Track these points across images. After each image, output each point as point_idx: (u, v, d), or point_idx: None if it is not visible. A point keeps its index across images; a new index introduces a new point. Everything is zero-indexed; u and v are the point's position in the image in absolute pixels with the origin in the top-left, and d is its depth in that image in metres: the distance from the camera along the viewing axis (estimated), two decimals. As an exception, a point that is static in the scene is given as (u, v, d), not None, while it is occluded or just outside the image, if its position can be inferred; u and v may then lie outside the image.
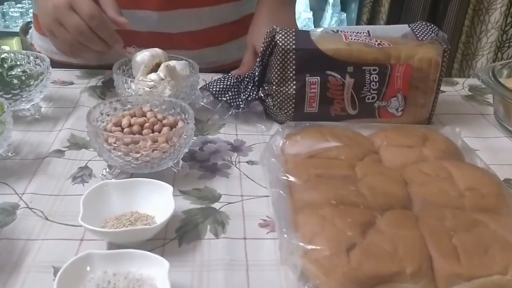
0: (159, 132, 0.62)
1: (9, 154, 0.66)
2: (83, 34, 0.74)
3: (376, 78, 0.75)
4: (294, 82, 0.74)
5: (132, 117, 0.64)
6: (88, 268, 0.44)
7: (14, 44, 2.58)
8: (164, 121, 0.64)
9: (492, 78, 0.79)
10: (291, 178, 0.55)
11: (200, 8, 0.92)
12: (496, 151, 0.74)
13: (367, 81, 0.75)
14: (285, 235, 0.48)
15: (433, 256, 0.46)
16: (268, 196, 0.61)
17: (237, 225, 0.56)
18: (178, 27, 0.92)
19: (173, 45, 0.89)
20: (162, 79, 0.75)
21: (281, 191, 0.54)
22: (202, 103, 0.79)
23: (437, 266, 0.45)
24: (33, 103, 0.76)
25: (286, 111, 0.76)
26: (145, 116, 0.64)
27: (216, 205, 0.59)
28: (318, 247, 0.45)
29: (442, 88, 0.82)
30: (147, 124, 0.62)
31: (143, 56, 0.78)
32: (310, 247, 0.46)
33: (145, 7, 0.88)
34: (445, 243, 0.47)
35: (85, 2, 0.72)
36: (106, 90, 0.87)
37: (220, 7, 0.94)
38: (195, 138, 0.73)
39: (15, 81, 0.72)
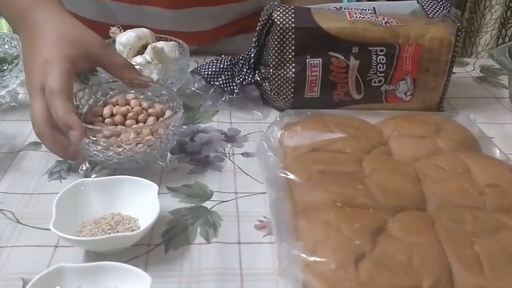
0: (144, 123, 0.56)
1: (-18, 145, 0.60)
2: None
3: (383, 59, 0.68)
4: (294, 65, 0.67)
5: (114, 106, 0.58)
6: (58, 287, 0.38)
7: (3, 25, 2.48)
8: (150, 110, 0.58)
9: (509, 59, 0.73)
10: (291, 176, 0.50)
11: (214, 7, 0.85)
12: (513, 139, 0.68)
13: (374, 63, 0.68)
14: (284, 244, 0.42)
15: (453, 267, 0.40)
16: (265, 193, 0.55)
17: (231, 227, 0.50)
18: (190, 26, 0.85)
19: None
20: (149, 62, 0.68)
21: (279, 192, 0.48)
22: (193, 88, 0.72)
23: (458, 278, 0.40)
24: (8, 89, 0.70)
25: (284, 96, 0.69)
26: (129, 105, 0.58)
27: (208, 204, 0.54)
28: (322, 259, 0.40)
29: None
30: (130, 114, 0.56)
31: (128, 37, 0.71)
32: (313, 258, 0.40)
33: (157, 4, 0.81)
34: (466, 251, 0.41)
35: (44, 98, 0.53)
36: (90, 74, 0.80)
37: (233, 5, 0.87)
38: (185, 127, 0.67)
39: (-13, 66, 0.65)
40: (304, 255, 0.40)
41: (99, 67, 0.61)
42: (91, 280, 0.39)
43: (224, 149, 0.63)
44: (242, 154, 0.63)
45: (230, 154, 0.62)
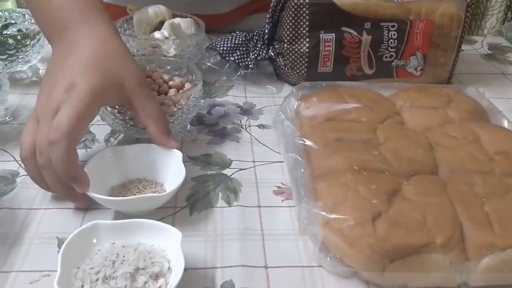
0: (165, 94, 0.58)
1: (7, 118, 0.63)
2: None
3: (394, 35, 0.70)
4: (307, 40, 0.69)
5: (136, 78, 0.60)
6: (95, 240, 0.41)
7: (9, 5, 2.49)
8: (171, 83, 0.60)
9: (518, 35, 0.74)
10: (308, 143, 0.52)
11: None
12: (521, 113, 0.70)
13: (385, 38, 0.70)
14: (304, 204, 0.44)
15: (464, 225, 0.43)
16: (282, 162, 0.57)
17: (250, 193, 0.53)
18: (207, 9, 0.85)
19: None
20: (167, 38, 0.70)
21: (298, 157, 0.50)
22: (209, 64, 0.74)
23: (469, 236, 0.42)
24: (30, 64, 0.72)
25: (298, 71, 0.71)
26: (151, 77, 0.60)
27: (227, 172, 0.56)
28: (342, 216, 0.42)
29: (460, 47, 0.77)
30: (152, 86, 0.58)
31: (145, 13, 0.73)
32: (332, 216, 0.42)
33: None
34: (476, 211, 0.43)
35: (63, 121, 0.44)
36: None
37: None
38: (202, 101, 0.69)
39: (10, 40, 0.67)
40: (324, 213, 0.43)
41: (128, 107, 0.51)
42: (124, 236, 0.42)
43: (240, 121, 0.66)
44: (258, 126, 0.65)
45: (247, 126, 0.65)
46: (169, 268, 0.40)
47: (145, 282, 0.38)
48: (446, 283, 0.42)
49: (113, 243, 0.41)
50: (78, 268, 0.39)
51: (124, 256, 0.39)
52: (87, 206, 0.49)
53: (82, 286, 0.38)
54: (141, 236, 0.42)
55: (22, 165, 0.50)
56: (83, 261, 0.40)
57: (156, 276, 0.38)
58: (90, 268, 0.38)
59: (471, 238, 0.42)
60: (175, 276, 0.38)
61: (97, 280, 0.38)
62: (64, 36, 0.51)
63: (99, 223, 0.42)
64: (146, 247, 0.41)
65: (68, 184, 0.46)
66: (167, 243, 0.41)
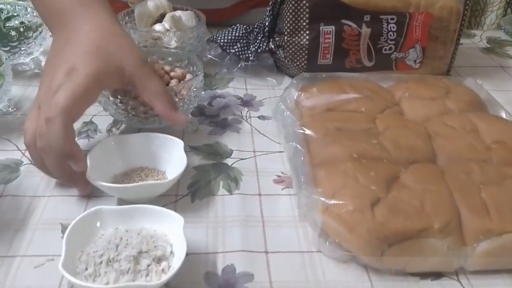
0: (167, 85, 0.58)
1: (10, 109, 0.63)
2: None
3: (394, 27, 0.71)
4: (308, 32, 0.70)
5: (137, 69, 0.60)
6: (98, 224, 0.42)
7: None
8: (172, 74, 0.60)
9: (516, 28, 0.75)
10: (308, 132, 0.52)
11: None
12: (519, 105, 0.71)
13: (385, 31, 0.70)
14: (304, 191, 0.45)
15: (461, 211, 0.43)
16: (282, 152, 0.58)
17: (251, 181, 0.54)
18: (208, 4, 0.85)
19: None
20: (168, 30, 0.71)
21: (298, 145, 0.51)
22: (210, 56, 0.75)
23: (466, 222, 0.43)
24: (32, 56, 0.72)
25: (298, 63, 0.72)
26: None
27: (228, 161, 0.57)
28: (341, 202, 0.43)
29: (459, 40, 0.78)
30: (154, 76, 0.59)
31: (147, 6, 0.74)
32: (332, 202, 0.43)
33: None
34: (474, 198, 0.44)
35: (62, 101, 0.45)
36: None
37: None
38: (203, 92, 0.70)
39: (13, 33, 0.68)
40: (323, 199, 0.43)
41: (131, 88, 0.52)
42: (127, 222, 0.42)
43: (241, 113, 0.66)
44: (259, 117, 0.65)
45: (247, 117, 0.65)
46: (171, 252, 0.40)
47: (148, 265, 0.38)
48: (444, 268, 0.43)
49: (117, 228, 0.42)
50: (82, 251, 0.40)
51: (127, 240, 0.40)
52: (88, 191, 0.49)
53: (86, 268, 0.38)
54: (144, 221, 0.43)
55: (27, 152, 0.50)
56: (87, 245, 0.41)
57: (159, 260, 0.39)
58: (94, 252, 0.39)
59: (468, 224, 0.43)
60: (178, 259, 0.39)
61: (101, 263, 0.38)
62: (65, 25, 0.52)
63: (102, 209, 0.42)
64: (149, 232, 0.41)
65: (67, 167, 0.46)
66: (170, 228, 0.42)
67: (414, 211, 0.42)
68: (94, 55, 0.48)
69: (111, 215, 0.42)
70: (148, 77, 0.51)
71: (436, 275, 0.43)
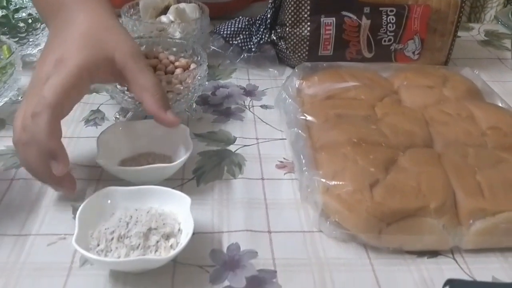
0: (172, 74, 0.60)
1: (19, 98, 0.65)
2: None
3: (393, 19, 0.72)
4: (309, 24, 0.71)
5: (143, 59, 0.62)
6: (109, 201, 0.44)
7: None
8: (177, 63, 0.62)
9: (512, 20, 0.77)
10: (310, 118, 0.54)
11: None
12: (515, 95, 0.72)
13: (384, 23, 0.72)
14: (306, 173, 0.47)
15: (456, 192, 0.45)
16: (285, 139, 0.60)
17: (254, 167, 0.55)
18: None
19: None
20: (172, 22, 0.72)
21: (299, 131, 0.53)
22: (213, 47, 0.76)
23: (461, 202, 0.45)
24: (40, 48, 0.74)
25: (299, 54, 0.74)
26: (158, 58, 0.62)
27: (232, 148, 0.59)
28: (341, 183, 0.45)
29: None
30: (160, 66, 0.61)
31: (151, -2, 0.75)
32: (332, 183, 0.45)
33: None
34: (468, 180, 0.46)
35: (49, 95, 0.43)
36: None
37: None
38: (206, 82, 0.71)
39: (21, 24, 0.69)
40: (324, 180, 0.45)
41: (121, 82, 0.50)
42: (137, 201, 0.44)
43: (244, 102, 0.68)
44: (261, 106, 0.67)
45: (250, 106, 0.67)
46: (179, 229, 0.42)
47: (157, 241, 0.40)
48: (440, 246, 0.45)
49: (126, 207, 0.44)
50: (93, 229, 0.42)
51: (137, 218, 0.42)
52: (73, 192, 0.47)
53: (98, 244, 0.40)
54: (153, 201, 0.44)
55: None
56: (99, 223, 0.42)
57: (167, 236, 0.41)
58: (105, 229, 0.41)
59: (463, 204, 0.45)
60: (185, 236, 0.41)
61: (112, 239, 0.40)
62: (59, 17, 0.51)
63: (113, 189, 0.44)
64: (157, 211, 0.43)
65: (49, 167, 0.43)
66: (177, 208, 0.44)
67: (411, 191, 0.44)
68: (84, 44, 0.46)
69: (121, 195, 0.44)
70: (140, 71, 0.48)
71: (432, 253, 0.45)
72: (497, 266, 0.44)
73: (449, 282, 0.38)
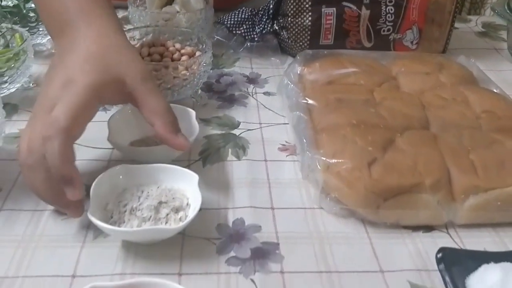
0: (178, 61, 0.62)
1: (31, 85, 0.67)
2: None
3: (392, 10, 0.74)
4: (310, 14, 0.74)
5: (150, 47, 0.64)
6: (121, 177, 0.46)
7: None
8: (183, 51, 0.65)
9: (508, 11, 0.79)
10: (311, 102, 0.57)
11: None
12: (511, 83, 0.74)
13: (383, 13, 0.74)
14: (308, 153, 0.49)
15: (451, 170, 0.47)
16: (287, 123, 0.62)
17: (257, 149, 0.58)
18: None
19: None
20: (178, 12, 0.75)
21: (301, 114, 0.55)
22: (217, 37, 0.79)
23: (455, 179, 0.47)
24: (49, 37, 0.76)
25: (301, 43, 0.76)
26: (164, 46, 0.65)
27: (236, 131, 0.61)
28: (341, 161, 0.47)
29: (455, 25, 0.81)
30: (166, 53, 0.63)
31: (157, -11, 0.77)
32: (332, 161, 0.47)
33: None
34: (463, 158, 0.48)
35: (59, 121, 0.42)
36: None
37: None
38: (211, 71, 0.74)
39: (32, 14, 0.72)
40: (324, 159, 0.47)
41: (132, 103, 0.48)
42: (147, 178, 0.47)
43: (247, 89, 0.70)
44: (264, 93, 0.70)
45: (253, 93, 0.69)
46: (187, 204, 0.45)
47: (167, 214, 0.43)
48: (434, 221, 0.47)
49: (138, 183, 0.46)
50: (107, 203, 0.44)
51: (148, 192, 0.44)
52: (79, 215, 0.45)
53: (111, 217, 0.43)
54: (163, 178, 0.47)
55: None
56: (111, 197, 0.45)
57: (176, 210, 0.43)
58: (118, 202, 0.44)
59: (457, 181, 0.47)
60: (193, 209, 0.43)
61: (125, 212, 0.43)
62: (65, 34, 0.50)
63: (125, 166, 0.46)
64: (167, 186, 0.46)
65: (57, 189, 0.42)
66: (186, 185, 0.46)
67: (408, 169, 0.47)
68: (92, 65, 0.45)
69: (133, 172, 0.47)
70: (150, 93, 0.47)
71: (427, 228, 0.47)
72: (488, 240, 0.47)
73: (442, 250, 0.40)
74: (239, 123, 0.63)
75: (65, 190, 0.42)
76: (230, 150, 0.57)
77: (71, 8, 0.50)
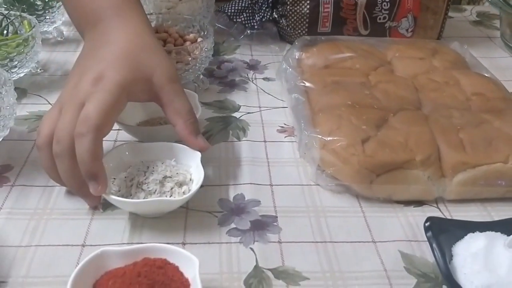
0: (181, 45, 0.65)
1: (39, 70, 0.70)
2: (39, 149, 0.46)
3: (387, -3, 0.77)
4: (308, 2, 0.76)
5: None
6: (127, 153, 0.48)
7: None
8: (186, 37, 0.67)
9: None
10: (309, 85, 0.59)
11: None
12: (503, 69, 0.77)
13: (379, 1, 0.77)
14: (305, 132, 0.52)
15: (441, 147, 0.50)
16: (286, 107, 0.65)
17: (257, 131, 0.60)
18: None
19: None
20: (180, 0, 0.77)
21: (299, 96, 0.57)
22: (218, 25, 0.81)
23: (445, 156, 0.49)
24: (55, 25, 0.79)
25: (299, 31, 0.78)
26: (167, 32, 0.67)
27: (236, 114, 0.63)
28: (336, 138, 0.49)
29: (450, 14, 0.83)
30: (169, 39, 0.65)
31: (159, -22, 0.80)
32: (328, 139, 0.50)
33: None
34: (452, 137, 0.51)
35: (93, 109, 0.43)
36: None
37: None
38: (212, 57, 0.76)
39: (39, 2, 0.74)
40: (320, 137, 0.50)
41: (157, 103, 0.49)
42: (152, 155, 0.49)
43: (247, 75, 0.73)
44: (263, 78, 0.72)
45: (253, 79, 0.72)
46: (190, 179, 0.47)
47: (172, 188, 0.45)
48: (425, 196, 0.50)
49: (143, 159, 0.49)
50: (114, 178, 0.47)
51: (153, 168, 0.47)
52: (96, 204, 0.47)
53: (119, 190, 0.45)
54: (167, 155, 0.49)
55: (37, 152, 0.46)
56: (119, 172, 0.47)
57: (180, 184, 0.46)
58: (125, 177, 0.46)
59: (447, 158, 0.49)
60: (196, 184, 0.46)
61: (131, 185, 0.45)
62: (96, 29, 0.51)
63: (131, 143, 0.49)
64: (171, 162, 0.48)
65: (80, 178, 0.44)
66: (189, 161, 0.49)
67: (399, 146, 0.49)
68: (123, 63, 0.47)
69: (139, 149, 0.49)
70: (175, 94, 0.49)
71: (418, 203, 0.50)
72: (476, 214, 0.49)
73: (430, 219, 0.43)
74: (239, 107, 0.65)
75: (89, 184, 0.43)
76: (231, 131, 0.60)
77: (105, 4, 0.51)
